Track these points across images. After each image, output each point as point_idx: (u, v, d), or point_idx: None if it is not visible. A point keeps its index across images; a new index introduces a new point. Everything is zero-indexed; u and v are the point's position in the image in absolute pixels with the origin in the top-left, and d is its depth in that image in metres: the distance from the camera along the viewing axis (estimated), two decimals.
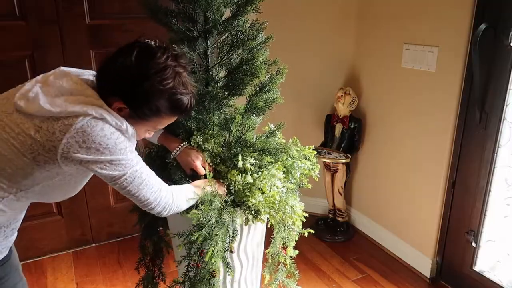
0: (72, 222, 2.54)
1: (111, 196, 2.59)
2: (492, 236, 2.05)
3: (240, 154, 1.44)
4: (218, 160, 1.48)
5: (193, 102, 1.16)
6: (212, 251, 1.31)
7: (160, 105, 1.10)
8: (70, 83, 1.09)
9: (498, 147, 1.92)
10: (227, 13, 1.43)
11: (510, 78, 1.82)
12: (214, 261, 1.32)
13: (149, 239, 1.73)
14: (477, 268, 2.11)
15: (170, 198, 1.23)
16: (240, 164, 1.42)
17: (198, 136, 1.47)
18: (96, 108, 1.04)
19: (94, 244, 2.63)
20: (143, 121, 1.14)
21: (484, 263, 2.10)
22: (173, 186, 1.29)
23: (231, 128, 1.47)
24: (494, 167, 1.95)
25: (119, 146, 1.07)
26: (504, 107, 1.86)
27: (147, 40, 1.15)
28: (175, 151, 1.48)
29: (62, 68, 1.16)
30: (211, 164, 1.48)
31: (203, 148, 1.46)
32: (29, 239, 2.43)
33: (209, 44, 1.44)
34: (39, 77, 1.15)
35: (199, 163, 1.45)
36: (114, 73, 1.10)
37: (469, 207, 2.08)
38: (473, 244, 2.09)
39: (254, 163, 1.45)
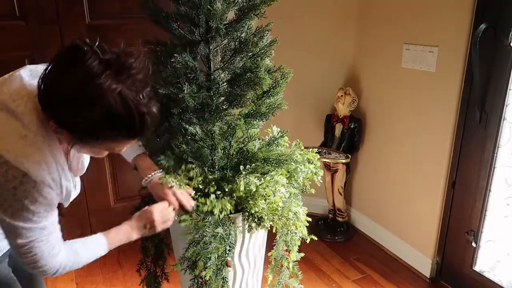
0: (72, 222, 2.54)
1: (111, 196, 2.59)
2: (492, 236, 2.05)
3: (241, 178, 1.41)
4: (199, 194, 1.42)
5: (147, 121, 0.93)
6: (205, 264, 1.31)
7: (99, 126, 0.91)
8: (13, 96, 0.95)
9: (498, 147, 1.92)
10: (231, 15, 1.41)
11: (510, 78, 1.82)
12: (206, 274, 1.31)
13: (150, 241, 1.72)
14: (477, 268, 2.12)
15: (68, 260, 1.12)
16: (241, 188, 1.39)
17: (176, 175, 1.38)
18: (37, 162, 0.93)
19: None
20: (84, 144, 0.99)
21: (484, 263, 2.10)
22: (76, 243, 1.17)
23: (232, 142, 1.45)
24: (494, 167, 1.95)
25: (40, 209, 0.97)
26: (504, 107, 1.86)
27: (78, 41, 0.91)
28: (146, 179, 1.36)
29: (27, 67, 1.04)
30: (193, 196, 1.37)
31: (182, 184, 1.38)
32: None
33: (211, 48, 1.42)
34: None
35: (173, 198, 1.32)
36: (44, 88, 0.92)
37: (469, 207, 2.08)
38: (473, 244, 2.09)
39: (257, 182, 1.43)
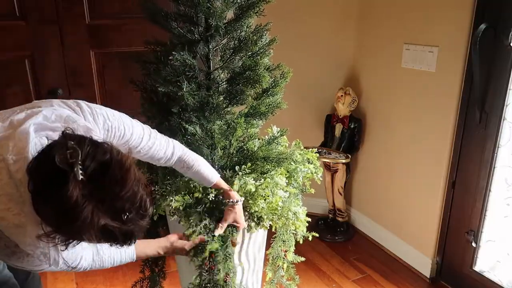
0: None
1: None
2: (492, 236, 2.05)
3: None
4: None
5: (133, 236, 0.90)
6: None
7: (89, 237, 0.86)
8: (16, 155, 0.91)
9: (498, 147, 1.92)
10: (230, 14, 1.41)
11: (510, 78, 1.82)
12: (215, 256, 1.32)
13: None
14: (477, 268, 2.12)
15: (91, 266, 1.12)
16: (236, 188, 1.40)
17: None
18: (28, 235, 0.91)
19: None
20: None
21: (484, 263, 2.10)
22: (105, 255, 1.17)
23: (232, 141, 1.45)
24: (494, 167, 1.95)
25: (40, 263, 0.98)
26: (504, 107, 1.86)
27: (59, 155, 0.81)
28: (229, 201, 1.40)
29: (40, 114, 0.98)
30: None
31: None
32: None
33: (210, 47, 1.42)
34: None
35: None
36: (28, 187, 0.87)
37: (469, 207, 2.08)
38: (473, 244, 2.09)
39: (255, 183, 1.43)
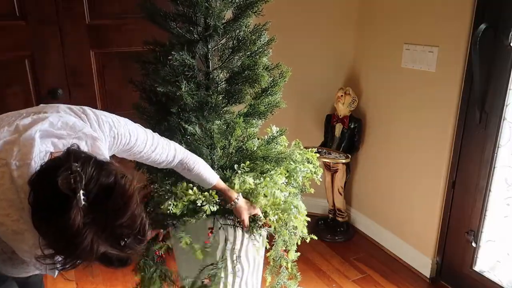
0: None
1: None
2: (492, 236, 2.05)
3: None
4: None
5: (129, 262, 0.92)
6: None
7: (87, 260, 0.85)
8: (19, 161, 0.89)
9: (498, 147, 1.92)
10: (229, 14, 1.41)
11: (510, 78, 1.82)
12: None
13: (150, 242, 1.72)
14: (477, 268, 2.11)
15: None
16: (236, 186, 1.41)
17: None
18: (25, 243, 0.90)
19: None
20: None
21: (484, 263, 2.10)
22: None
23: (231, 140, 1.45)
24: (494, 167, 1.95)
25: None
26: (504, 107, 1.86)
27: (63, 177, 0.80)
28: (232, 204, 1.44)
29: (47, 120, 0.97)
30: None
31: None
32: None
33: (209, 47, 1.42)
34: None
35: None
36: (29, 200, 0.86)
37: (469, 207, 2.08)
38: (473, 244, 2.08)
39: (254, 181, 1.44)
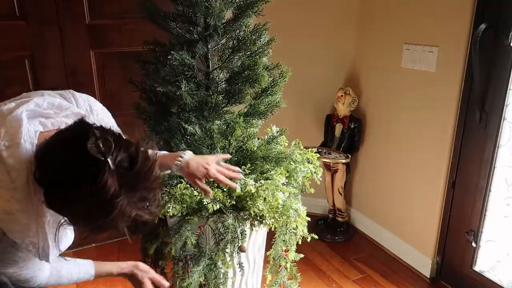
0: None
1: None
2: (492, 236, 2.05)
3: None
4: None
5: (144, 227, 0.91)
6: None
7: (101, 229, 0.86)
8: (7, 141, 0.87)
9: (498, 147, 1.92)
10: (229, 14, 1.41)
11: (510, 78, 1.82)
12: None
13: (149, 242, 1.72)
14: (477, 268, 2.11)
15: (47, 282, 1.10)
16: (238, 190, 1.40)
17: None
18: (17, 223, 0.89)
19: (94, 244, 2.63)
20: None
21: (484, 263, 2.10)
22: (63, 269, 1.14)
23: (231, 141, 1.45)
24: (494, 167, 1.95)
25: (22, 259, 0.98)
26: (504, 107, 1.86)
27: (92, 143, 0.79)
28: (178, 162, 1.24)
29: (31, 102, 0.95)
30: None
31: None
32: None
33: (209, 47, 1.42)
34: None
35: (221, 177, 1.26)
36: (45, 173, 0.85)
37: (469, 207, 2.08)
38: (473, 244, 2.08)
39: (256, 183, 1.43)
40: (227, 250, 1.38)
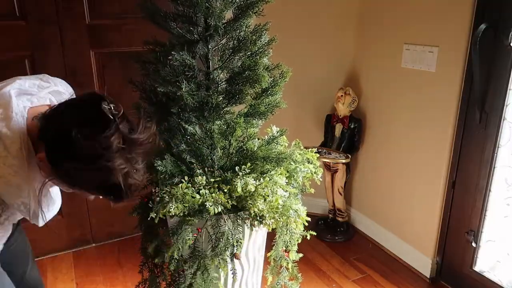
0: (72, 222, 2.54)
1: None
2: (492, 236, 2.05)
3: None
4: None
5: (133, 192, 1.01)
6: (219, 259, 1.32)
7: (92, 186, 0.99)
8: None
9: (498, 147, 1.92)
10: (229, 14, 1.41)
11: (510, 78, 1.82)
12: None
13: (150, 242, 1.72)
14: (477, 268, 2.11)
15: None
16: (239, 189, 1.40)
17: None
18: (9, 185, 0.97)
19: (94, 244, 2.63)
20: (62, 183, 1.02)
21: (484, 263, 2.10)
22: None
23: (231, 141, 1.45)
24: (494, 167, 1.95)
25: None
26: (504, 107, 1.86)
27: (105, 105, 0.92)
28: None
29: (16, 82, 1.05)
30: None
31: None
32: (29, 239, 2.43)
33: (210, 47, 1.42)
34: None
35: None
36: (54, 128, 0.95)
37: (469, 207, 2.08)
38: (473, 244, 2.09)
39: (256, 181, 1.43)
40: (221, 256, 1.38)
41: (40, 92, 1.09)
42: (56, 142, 0.93)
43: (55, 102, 1.12)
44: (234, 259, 1.41)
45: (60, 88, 1.16)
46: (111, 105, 0.91)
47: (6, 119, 0.96)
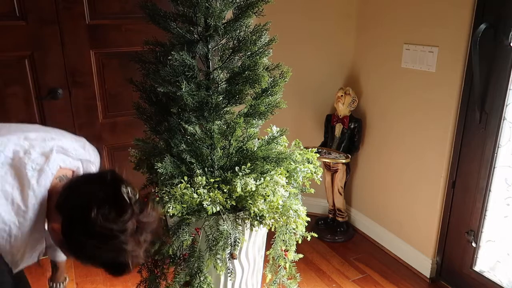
0: None
1: None
2: (492, 236, 2.05)
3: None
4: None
5: (132, 267, 1.04)
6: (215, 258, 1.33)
7: (99, 262, 1.04)
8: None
9: (498, 147, 1.92)
10: (229, 14, 1.41)
11: (510, 78, 1.82)
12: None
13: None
14: (477, 268, 2.11)
15: None
16: (238, 189, 1.41)
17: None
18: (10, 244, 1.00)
19: None
20: (69, 252, 1.05)
21: (484, 263, 2.10)
22: None
23: (231, 141, 1.45)
24: (494, 167, 1.95)
25: None
26: (504, 107, 1.86)
27: (123, 188, 0.98)
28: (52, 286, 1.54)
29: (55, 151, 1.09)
30: None
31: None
32: None
33: (210, 47, 1.42)
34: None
35: None
36: (73, 201, 0.99)
37: (469, 207, 2.08)
38: (473, 244, 2.08)
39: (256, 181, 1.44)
40: (218, 256, 1.38)
41: (75, 156, 1.14)
42: (75, 216, 0.96)
43: (81, 170, 1.16)
44: (232, 259, 1.41)
45: (92, 159, 1.21)
46: (129, 188, 0.97)
47: (40, 171, 1.01)
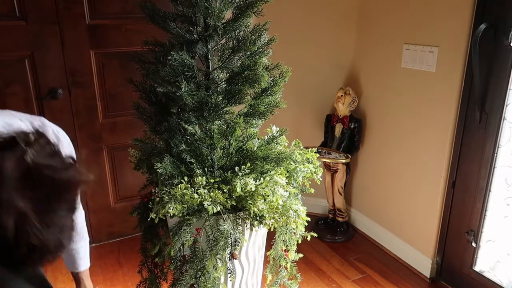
0: None
1: (111, 196, 2.59)
2: (492, 236, 2.05)
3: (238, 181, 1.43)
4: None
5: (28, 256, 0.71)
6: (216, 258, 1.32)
7: None
8: None
9: (498, 147, 1.92)
10: (229, 14, 1.41)
11: (510, 78, 1.82)
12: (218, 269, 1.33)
13: (150, 242, 1.72)
14: (477, 268, 2.11)
15: None
16: (238, 189, 1.40)
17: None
18: None
19: (94, 244, 2.63)
20: None
21: (484, 263, 2.10)
22: None
23: (231, 141, 1.45)
24: (494, 167, 1.95)
25: None
26: (504, 107, 1.86)
27: (31, 137, 0.71)
28: None
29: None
30: None
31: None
32: None
33: (209, 47, 1.42)
34: None
35: None
36: None
37: (469, 207, 2.08)
38: (473, 244, 2.08)
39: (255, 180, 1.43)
40: (219, 256, 1.38)
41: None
42: None
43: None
44: (232, 259, 1.41)
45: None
46: (32, 133, 0.73)
47: None
